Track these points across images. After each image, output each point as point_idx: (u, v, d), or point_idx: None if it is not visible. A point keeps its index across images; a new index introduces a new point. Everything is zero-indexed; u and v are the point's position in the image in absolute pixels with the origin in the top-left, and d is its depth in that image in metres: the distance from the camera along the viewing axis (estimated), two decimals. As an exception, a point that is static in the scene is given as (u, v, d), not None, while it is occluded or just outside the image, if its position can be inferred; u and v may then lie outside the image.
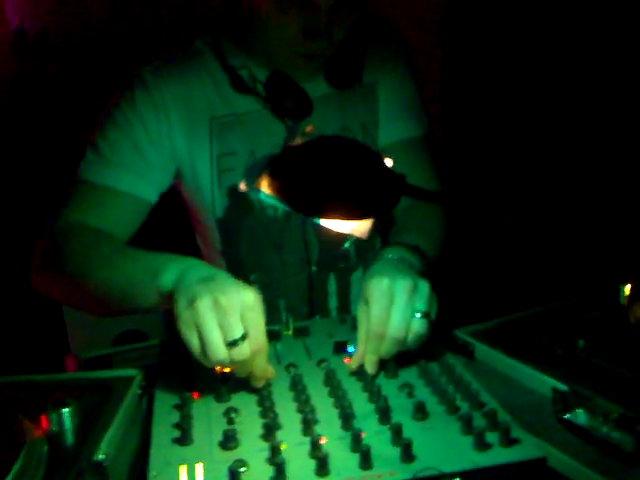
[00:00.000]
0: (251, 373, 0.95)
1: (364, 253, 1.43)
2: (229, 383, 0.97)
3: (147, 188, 1.25)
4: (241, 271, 1.33)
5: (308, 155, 0.86)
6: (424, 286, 1.01)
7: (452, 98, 2.63)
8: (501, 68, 2.38)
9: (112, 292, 1.08)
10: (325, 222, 0.91)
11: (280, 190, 0.87)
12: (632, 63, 1.92)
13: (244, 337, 0.90)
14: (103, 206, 1.23)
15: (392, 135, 1.41)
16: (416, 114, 1.44)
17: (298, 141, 0.87)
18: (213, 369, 0.95)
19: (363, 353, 1.01)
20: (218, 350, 0.89)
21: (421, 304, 1.00)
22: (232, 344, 0.90)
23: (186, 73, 1.28)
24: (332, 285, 1.42)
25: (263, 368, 0.96)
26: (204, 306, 0.89)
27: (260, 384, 0.97)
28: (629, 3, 1.90)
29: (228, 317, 0.90)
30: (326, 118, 1.31)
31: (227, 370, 0.96)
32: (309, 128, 0.93)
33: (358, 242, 1.39)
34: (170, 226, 1.60)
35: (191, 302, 0.90)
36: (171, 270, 0.98)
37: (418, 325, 0.99)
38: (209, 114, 1.28)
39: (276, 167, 0.87)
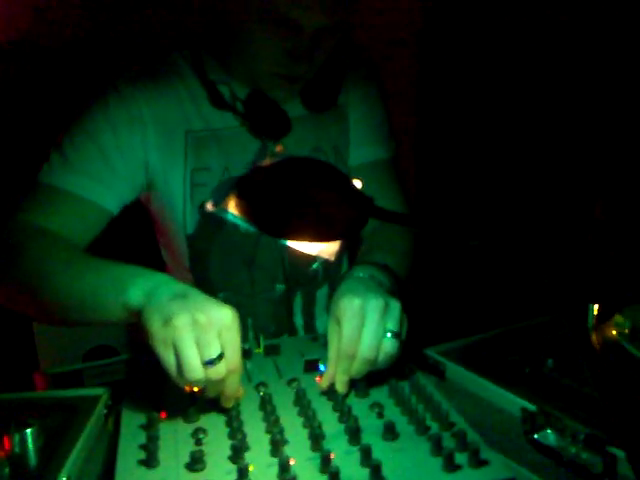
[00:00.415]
0: (222, 392, 0.94)
1: (332, 273, 1.42)
2: (198, 403, 0.96)
3: (110, 198, 1.22)
4: (209, 289, 1.32)
5: (276, 176, 0.86)
6: (395, 306, 1.01)
7: (423, 122, 2.64)
8: (470, 96, 2.41)
9: (71, 301, 1.04)
10: (293, 244, 0.90)
11: (247, 211, 0.86)
12: (597, 90, 1.94)
13: (221, 356, 0.89)
14: (62, 211, 1.19)
15: (360, 157, 1.42)
16: (384, 137, 1.45)
17: (267, 161, 0.87)
18: (182, 388, 0.93)
19: (334, 373, 1.01)
20: (195, 370, 0.87)
21: (392, 324, 1.00)
22: (209, 363, 0.88)
23: (163, 85, 1.26)
24: (298, 304, 1.41)
25: (235, 388, 0.94)
26: (183, 324, 0.87)
27: (230, 404, 0.96)
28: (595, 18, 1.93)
29: (206, 335, 0.88)
30: (300, 139, 1.31)
31: (196, 389, 0.95)
32: (279, 148, 0.93)
33: (326, 263, 1.39)
34: (133, 241, 1.57)
35: (168, 320, 0.88)
36: (139, 285, 0.95)
37: (389, 345, 0.99)
38: (185, 127, 1.27)
39: (244, 187, 0.87)
